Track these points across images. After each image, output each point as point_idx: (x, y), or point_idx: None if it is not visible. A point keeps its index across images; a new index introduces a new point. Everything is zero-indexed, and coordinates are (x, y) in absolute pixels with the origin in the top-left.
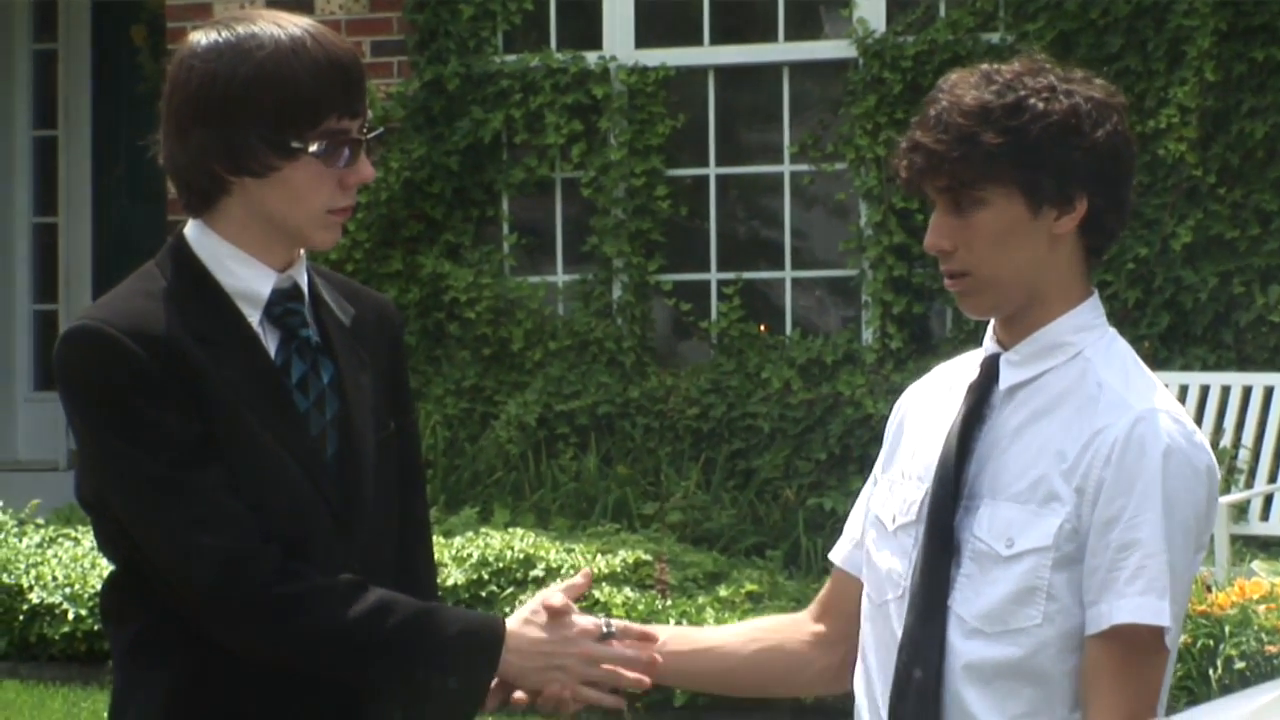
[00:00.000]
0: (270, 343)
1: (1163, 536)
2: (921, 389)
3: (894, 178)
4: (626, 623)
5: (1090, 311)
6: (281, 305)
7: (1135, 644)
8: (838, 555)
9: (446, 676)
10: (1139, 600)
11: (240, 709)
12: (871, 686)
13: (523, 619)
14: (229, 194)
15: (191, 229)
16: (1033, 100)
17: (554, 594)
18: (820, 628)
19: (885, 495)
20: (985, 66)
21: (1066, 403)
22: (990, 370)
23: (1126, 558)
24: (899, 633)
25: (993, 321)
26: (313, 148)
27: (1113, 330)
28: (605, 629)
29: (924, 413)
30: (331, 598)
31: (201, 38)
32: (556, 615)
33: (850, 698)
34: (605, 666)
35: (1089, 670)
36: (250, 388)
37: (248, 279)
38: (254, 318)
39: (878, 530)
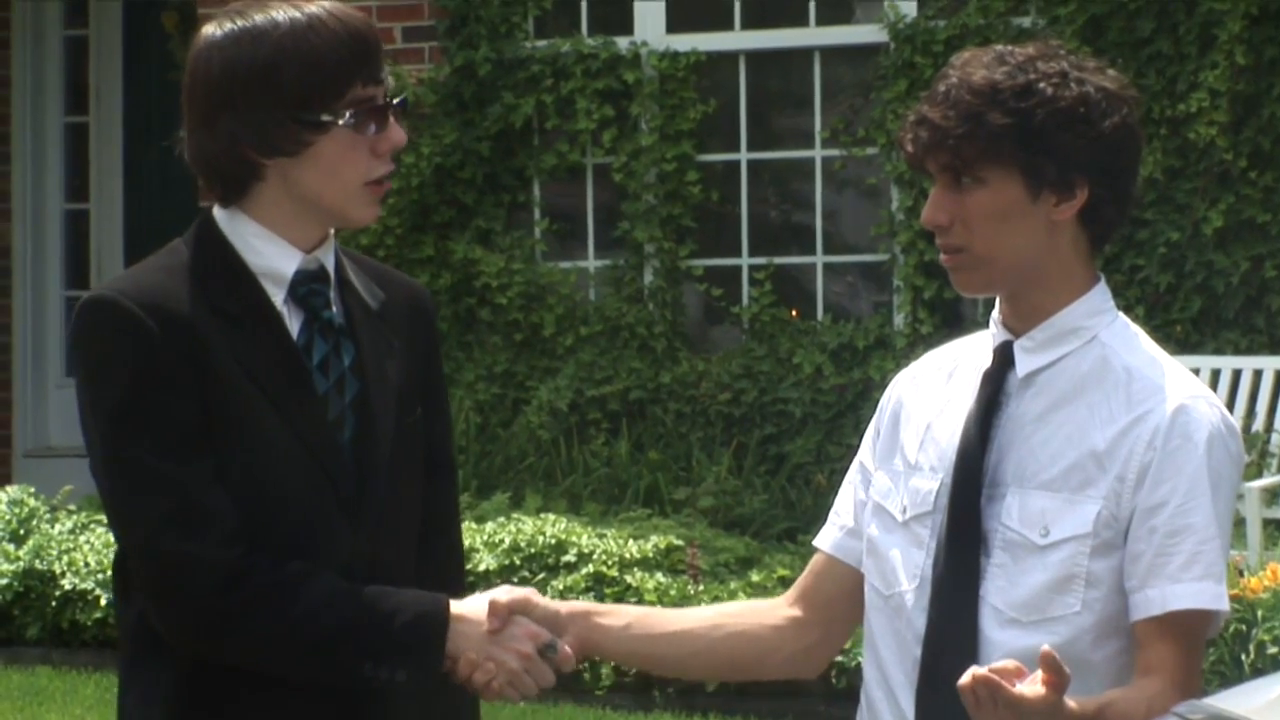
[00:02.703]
0: (293, 323)
1: (1214, 522)
2: (914, 378)
3: (899, 151)
4: (569, 651)
5: (1100, 296)
6: (306, 285)
7: (1191, 627)
8: (825, 541)
9: (395, 669)
10: (1198, 586)
11: (239, 697)
12: (887, 678)
13: (476, 604)
14: (262, 179)
15: (219, 210)
16: (1042, 84)
17: (502, 593)
18: (796, 612)
19: (888, 486)
20: (1000, 47)
21: (1091, 388)
22: (1005, 357)
23: (1178, 543)
24: (918, 622)
25: (998, 309)
26: (342, 119)
27: (1122, 315)
28: (550, 643)
29: (924, 402)
30: (273, 600)
31: (215, 28)
32: (504, 613)
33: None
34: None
35: (1143, 651)
36: (268, 366)
37: (273, 258)
38: (278, 297)
39: (882, 521)
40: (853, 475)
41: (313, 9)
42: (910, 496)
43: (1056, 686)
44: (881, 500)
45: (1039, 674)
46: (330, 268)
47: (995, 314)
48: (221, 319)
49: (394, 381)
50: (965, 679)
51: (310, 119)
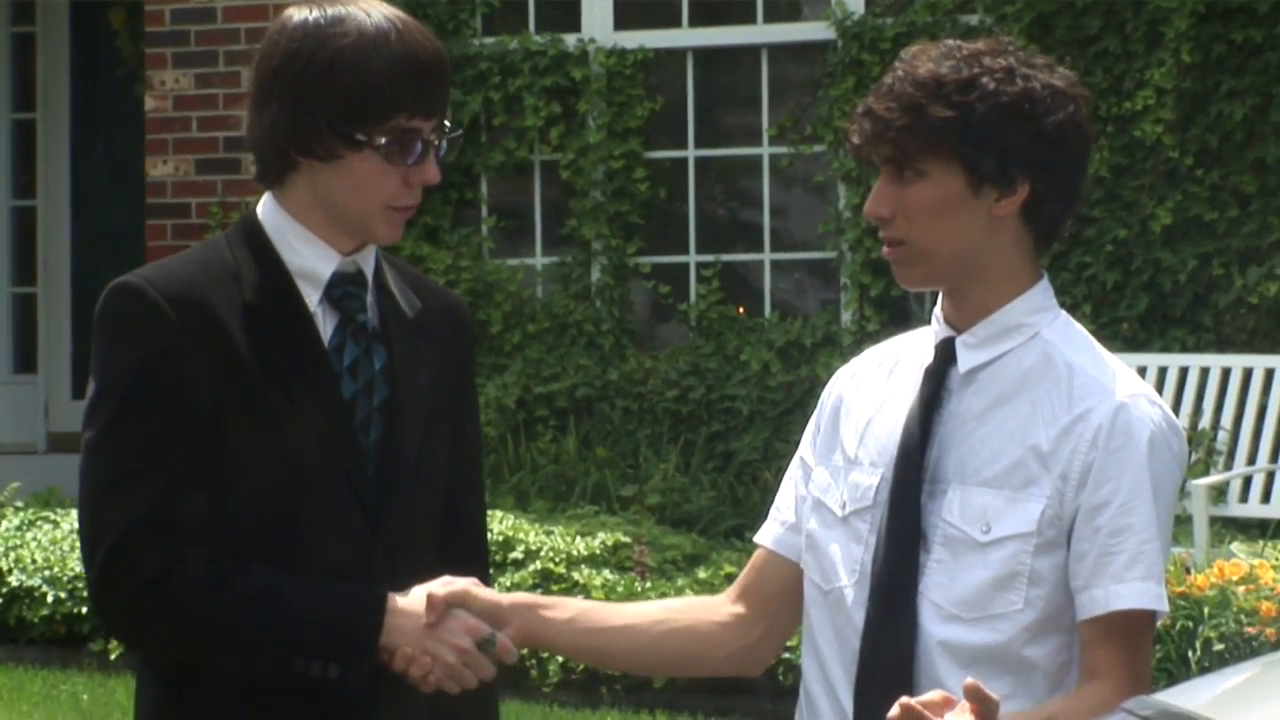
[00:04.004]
0: (327, 325)
1: (1155, 522)
2: (854, 373)
3: (846, 142)
4: (509, 643)
5: (1043, 294)
6: (342, 288)
7: (1134, 627)
8: (767, 537)
9: (326, 664)
10: (1141, 586)
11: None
12: (826, 673)
13: (414, 597)
14: (298, 171)
15: (264, 205)
16: (986, 79)
17: (440, 585)
18: (739, 609)
19: (828, 481)
20: (950, 41)
21: (1033, 385)
22: (946, 353)
23: (1121, 543)
24: (857, 617)
25: (940, 305)
26: (378, 142)
27: (1064, 312)
28: (488, 637)
29: (864, 398)
30: (199, 596)
31: (294, 14)
32: (441, 606)
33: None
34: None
35: (1087, 652)
36: (293, 365)
37: (311, 258)
38: (313, 298)
39: (822, 516)
40: (793, 471)
41: (387, 23)
42: (850, 491)
43: (984, 716)
44: (821, 495)
45: (966, 705)
46: (369, 272)
47: (937, 310)
48: (251, 315)
49: (425, 390)
50: (894, 711)
51: (347, 135)
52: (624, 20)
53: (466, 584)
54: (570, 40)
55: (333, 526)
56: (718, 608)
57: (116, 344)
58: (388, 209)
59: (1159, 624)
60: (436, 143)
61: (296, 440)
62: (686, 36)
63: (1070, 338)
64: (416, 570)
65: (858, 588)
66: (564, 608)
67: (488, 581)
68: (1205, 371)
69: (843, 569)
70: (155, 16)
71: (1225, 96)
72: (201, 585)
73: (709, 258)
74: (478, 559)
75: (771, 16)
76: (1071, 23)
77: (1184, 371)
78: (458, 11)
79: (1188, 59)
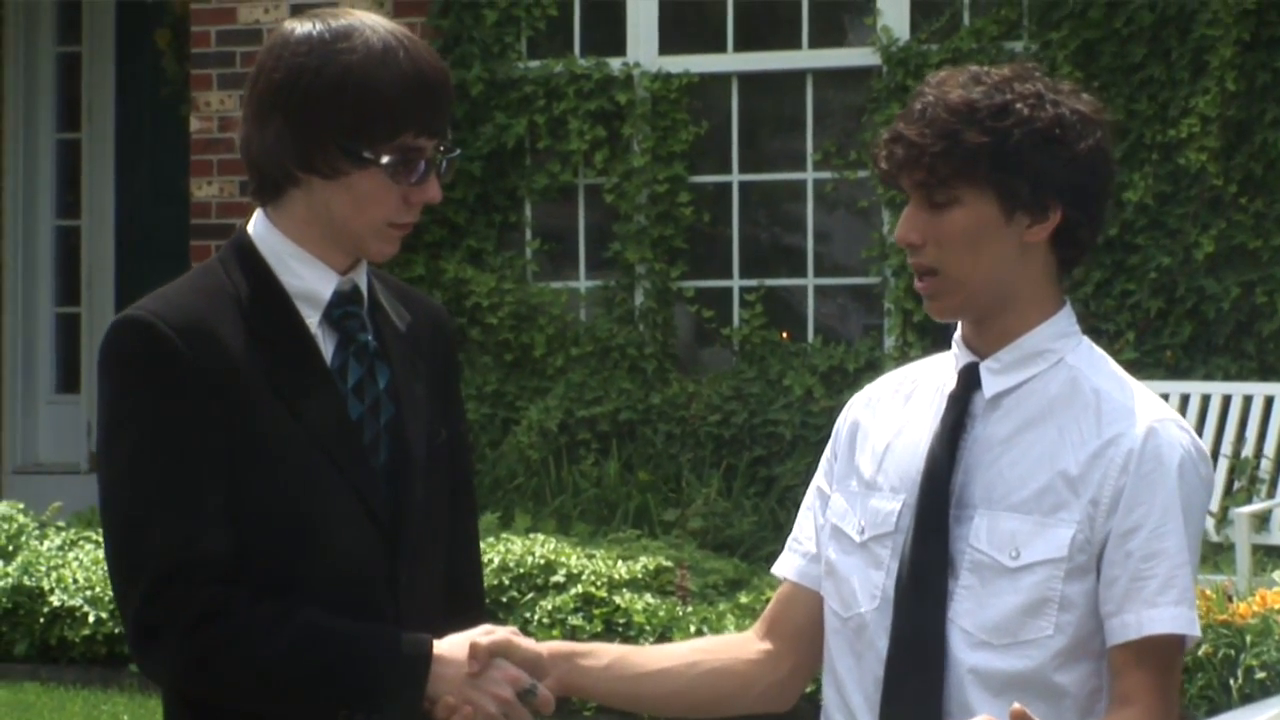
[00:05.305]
0: (327, 345)
1: (1186, 547)
2: (869, 400)
3: (873, 168)
4: (548, 694)
5: (1066, 319)
6: (341, 308)
7: (1166, 653)
8: (788, 569)
9: (372, 713)
10: (1174, 611)
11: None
12: (847, 700)
13: (457, 645)
14: (297, 188)
15: (256, 225)
16: (1019, 105)
17: (483, 634)
18: (768, 645)
19: (844, 507)
20: (974, 68)
21: (1060, 410)
22: (970, 379)
23: (1153, 568)
24: (879, 642)
25: (960, 330)
26: (384, 160)
27: (1086, 338)
28: (529, 688)
29: (881, 423)
30: (246, 641)
31: (296, 27)
32: (485, 656)
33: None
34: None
35: (1118, 678)
36: (302, 392)
37: (310, 280)
38: (313, 320)
39: (840, 543)
40: (810, 500)
41: (394, 39)
42: (869, 517)
43: None
44: (838, 522)
45: None
46: (364, 289)
47: (958, 335)
48: (255, 341)
49: (423, 404)
50: None
51: (353, 152)
52: (669, 44)
53: (508, 633)
54: (615, 64)
55: (350, 549)
56: (747, 645)
57: (129, 381)
58: (387, 227)
59: (1199, 651)
60: (439, 161)
61: (309, 465)
62: (731, 61)
63: (1094, 363)
64: (432, 586)
65: (878, 614)
66: (600, 655)
67: (480, 589)
68: (1248, 399)
69: (862, 595)
70: (201, 37)
71: (1270, 124)
72: (251, 629)
73: (752, 282)
74: (471, 565)
75: (817, 42)
76: (1117, 50)
77: (1227, 400)
78: (503, 34)
79: (1232, 87)
